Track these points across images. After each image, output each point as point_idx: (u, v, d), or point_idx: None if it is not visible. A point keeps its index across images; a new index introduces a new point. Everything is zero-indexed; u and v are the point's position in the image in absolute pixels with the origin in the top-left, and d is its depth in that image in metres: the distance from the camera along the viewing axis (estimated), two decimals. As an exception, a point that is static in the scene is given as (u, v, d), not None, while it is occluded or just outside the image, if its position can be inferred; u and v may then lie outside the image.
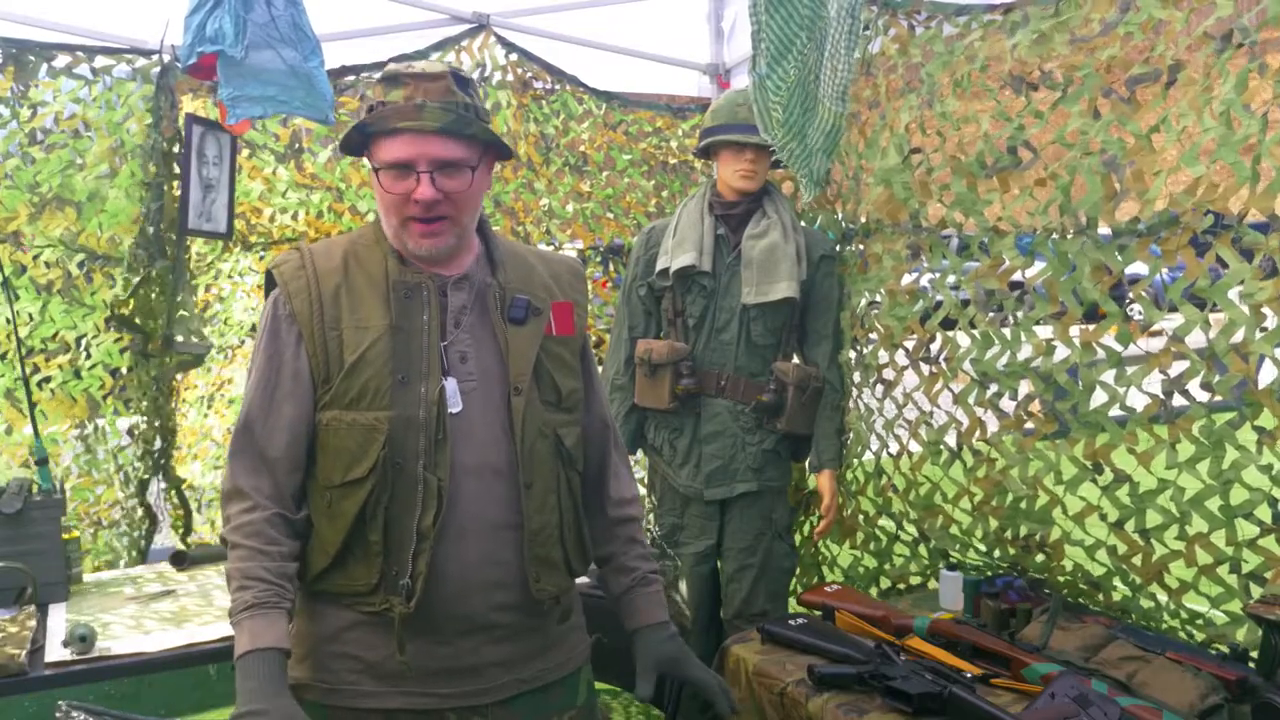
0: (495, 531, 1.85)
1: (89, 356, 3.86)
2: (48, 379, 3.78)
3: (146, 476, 4.01)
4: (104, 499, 3.97)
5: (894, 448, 3.35)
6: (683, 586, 3.38)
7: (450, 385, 1.84)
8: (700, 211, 3.35)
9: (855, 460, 3.46)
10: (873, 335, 3.33)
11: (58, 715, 3.10)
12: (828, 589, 2.91)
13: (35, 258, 3.67)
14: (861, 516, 3.48)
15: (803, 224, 3.72)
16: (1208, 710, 2.15)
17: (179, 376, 4.23)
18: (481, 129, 1.83)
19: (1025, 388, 3.11)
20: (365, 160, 3.75)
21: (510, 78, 4.40)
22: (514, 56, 4.40)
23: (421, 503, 1.79)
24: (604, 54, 4.81)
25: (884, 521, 3.42)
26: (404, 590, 1.79)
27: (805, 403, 3.29)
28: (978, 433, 2.98)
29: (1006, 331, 2.85)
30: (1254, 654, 2.38)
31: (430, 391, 1.82)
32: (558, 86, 4.57)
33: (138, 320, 3.86)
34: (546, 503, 1.89)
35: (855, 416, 3.42)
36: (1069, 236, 2.65)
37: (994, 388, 2.90)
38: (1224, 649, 2.47)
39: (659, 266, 3.35)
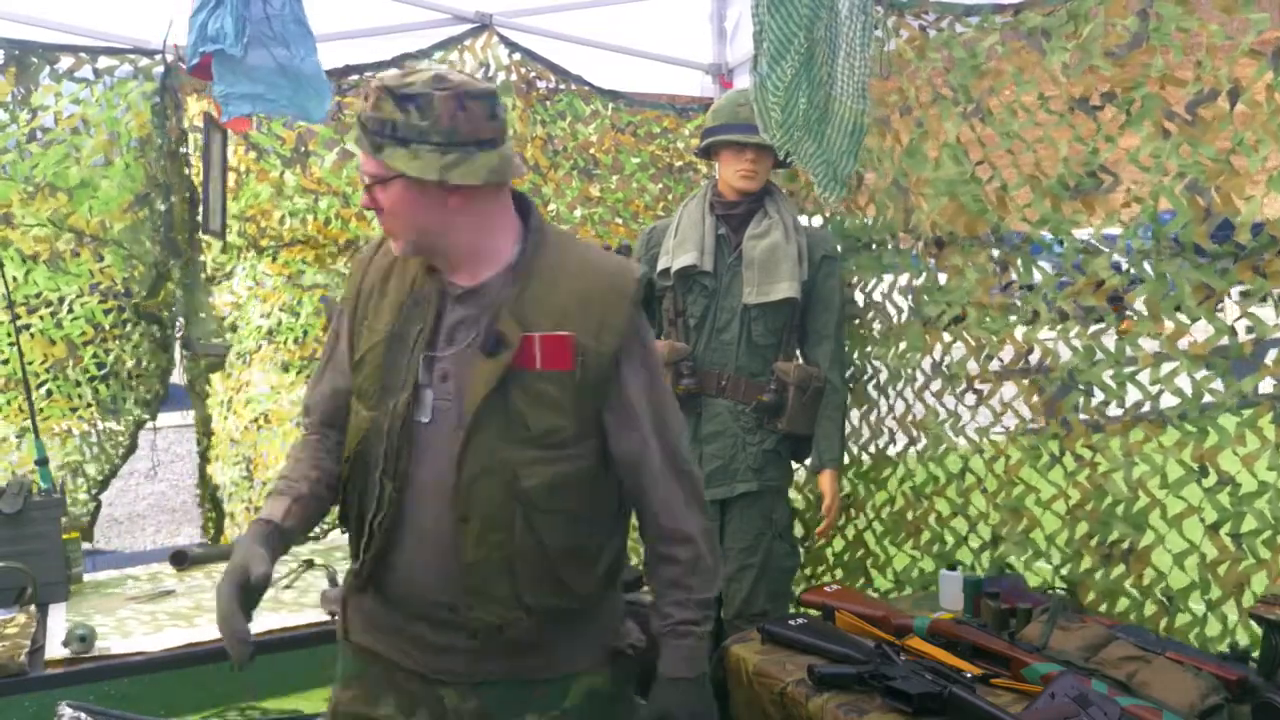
0: (438, 550, 1.86)
1: (71, 312, 4.01)
2: (28, 325, 3.93)
3: (144, 418, 4.20)
4: (75, 415, 4.16)
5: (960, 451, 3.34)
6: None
7: (428, 397, 1.86)
8: (701, 211, 3.35)
9: (931, 462, 3.42)
10: (958, 344, 3.30)
11: (58, 715, 3.11)
12: (828, 589, 2.91)
13: (24, 233, 3.73)
14: (933, 517, 3.43)
15: (804, 223, 3.72)
16: (1208, 710, 2.14)
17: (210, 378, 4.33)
18: (390, 149, 1.79)
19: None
20: None
21: (514, 77, 4.39)
22: (517, 56, 4.39)
23: (376, 504, 1.88)
24: (606, 54, 4.79)
25: (957, 523, 3.35)
26: (358, 573, 1.95)
27: (806, 403, 3.29)
28: (1082, 438, 2.97)
29: (1109, 343, 2.88)
30: (1254, 654, 2.38)
31: (399, 403, 1.85)
32: (562, 86, 4.57)
33: (164, 314, 3.98)
34: (487, 539, 1.83)
35: (933, 419, 3.39)
36: (1166, 258, 2.71)
37: (1099, 395, 2.91)
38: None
39: (660, 266, 3.35)
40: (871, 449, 3.67)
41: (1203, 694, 2.17)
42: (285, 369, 4.56)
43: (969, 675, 2.32)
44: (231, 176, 4.07)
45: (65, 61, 3.63)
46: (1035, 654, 2.39)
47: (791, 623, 2.65)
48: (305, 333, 4.56)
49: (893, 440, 3.60)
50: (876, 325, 3.63)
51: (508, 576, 1.85)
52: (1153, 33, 2.66)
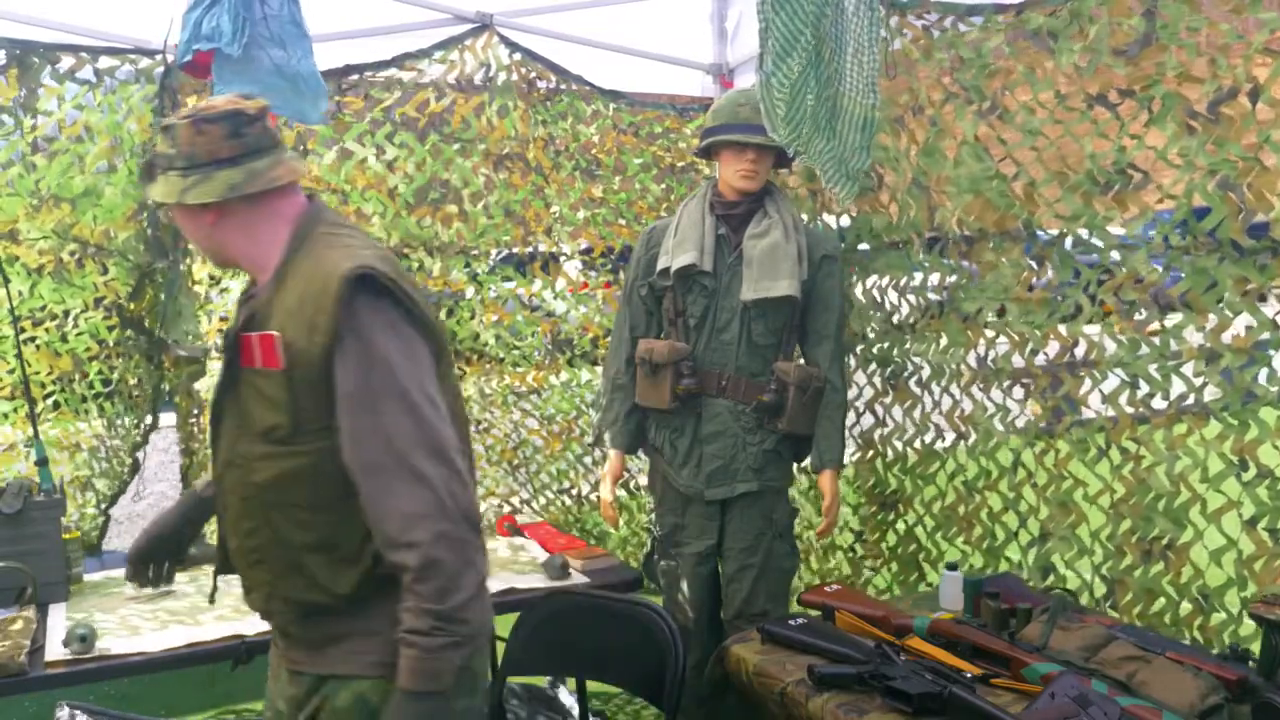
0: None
1: (77, 326, 4.07)
2: (34, 338, 4.00)
3: (138, 440, 4.22)
4: (84, 430, 4.24)
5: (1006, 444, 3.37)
6: (684, 586, 3.38)
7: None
8: (701, 211, 3.34)
9: (982, 456, 3.43)
10: (1001, 339, 3.32)
11: (58, 715, 3.10)
12: (828, 589, 2.91)
13: (30, 247, 3.74)
14: (984, 512, 3.44)
15: (832, 223, 3.74)
16: (1208, 710, 2.13)
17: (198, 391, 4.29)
18: (157, 179, 1.92)
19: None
20: (370, 162, 3.89)
21: (515, 77, 4.39)
22: (518, 56, 4.40)
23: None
24: (607, 53, 4.80)
25: (1008, 518, 3.38)
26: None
27: (806, 403, 3.28)
28: (1128, 430, 3.00)
29: (1155, 338, 2.93)
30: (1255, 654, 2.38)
31: (214, 398, 2.03)
32: (563, 87, 4.57)
33: (146, 323, 3.97)
34: (239, 528, 1.95)
35: (981, 413, 3.39)
36: (1203, 254, 2.75)
37: (1144, 388, 2.94)
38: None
39: (660, 266, 3.34)
40: (917, 444, 3.69)
41: (1203, 694, 2.16)
42: None
43: (969, 675, 2.31)
44: None
45: (66, 62, 3.63)
46: (1035, 654, 2.38)
47: (791, 623, 2.64)
48: None
49: (940, 435, 3.62)
50: (913, 322, 3.65)
51: (260, 566, 1.95)
52: (1160, 30, 2.70)
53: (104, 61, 3.71)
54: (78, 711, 2.93)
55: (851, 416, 3.83)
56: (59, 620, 2.94)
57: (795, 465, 3.53)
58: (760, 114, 3.17)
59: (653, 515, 3.50)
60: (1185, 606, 2.83)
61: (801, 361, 3.39)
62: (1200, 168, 2.68)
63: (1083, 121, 2.96)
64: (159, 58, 3.81)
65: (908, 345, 3.65)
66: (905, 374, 3.68)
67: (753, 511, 3.32)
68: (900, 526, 3.76)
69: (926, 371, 3.59)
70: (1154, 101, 2.77)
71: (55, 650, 2.71)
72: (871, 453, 3.83)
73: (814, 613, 2.88)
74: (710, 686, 2.80)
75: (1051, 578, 3.14)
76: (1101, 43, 2.83)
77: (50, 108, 3.63)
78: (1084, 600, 3.01)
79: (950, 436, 3.56)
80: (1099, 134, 2.92)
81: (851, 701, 2.29)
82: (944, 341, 3.48)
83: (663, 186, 4.84)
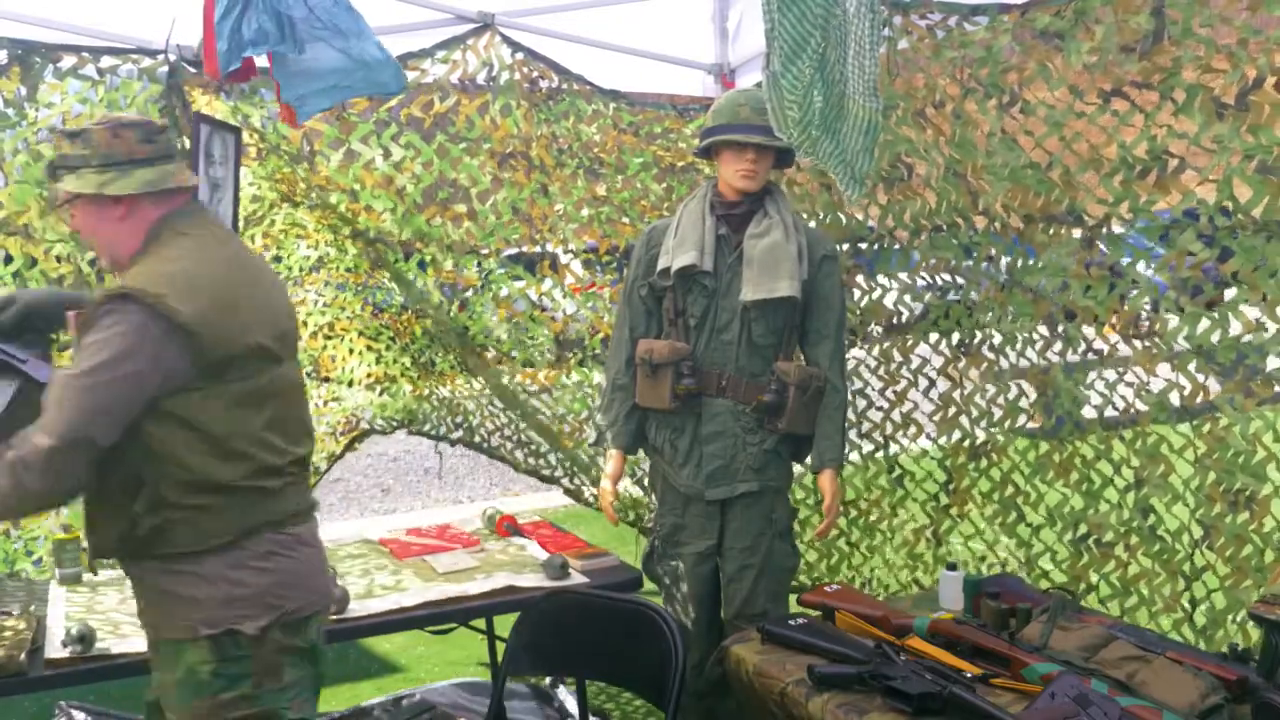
0: None
1: None
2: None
3: None
4: None
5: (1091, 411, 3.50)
6: (683, 586, 3.38)
7: None
8: (701, 211, 3.34)
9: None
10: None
11: (58, 715, 3.10)
12: (828, 589, 2.91)
13: (46, 251, 3.70)
14: (1079, 459, 3.53)
15: (824, 217, 3.76)
16: (1208, 710, 2.14)
17: None
18: (65, 177, 2.19)
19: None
20: (377, 164, 3.89)
21: (517, 76, 4.39)
22: (520, 55, 4.40)
23: None
24: (608, 53, 4.80)
25: (1102, 464, 3.47)
26: None
27: (807, 403, 3.28)
28: (1200, 395, 3.11)
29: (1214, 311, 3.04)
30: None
31: None
32: (565, 86, 4.57)
33: None
34: None
35: (1062, 375, 3.51)
36: (1249, 234, 2.85)
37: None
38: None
39: (660, 266, 3.34)
40: (1001, 401, 3.76)
41: (1203, 694, 2.16)
42: (342, 288, 4.96)
43: (969, 675, 2.32)
44: (252, 150, 4.11)
45: (68, 61, 3.63)
46: (1035, 654, 2.38)
47: (791, 623, 2.65)
48: (355, 265, 4.89)
49: (1023, 393, 3.70)
50: (972, 294, 3.76)
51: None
52: (1171, 27, 2.79)
53: (106, 61, 3.71)
54: (78, 711, 2.93)
55: (924, 382, 3.97)
56: (59, 620, 2.95)
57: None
58: (760, 113, 3.16)
59: (654, 515, 3.50)
60: (1269, 554, 2.91)
61: (802, 361, 3.39)
62: (1237, 153, 2.75)
63: (1104, 113, 3.05)
64: (161, 57, 3.81)
65: (973, 316, 3.76)
66: (975, 341, 3.78)
67: (753, 511, 3.32)
68: (995, 474, 3.81)
69: (998, 339, 3.69)
70: (1175, 91, 2.86)
71: (55, 650, 2.71)
72: (954, 410, 3.89)
73: (814, 613, 2.88)
74: (710, 686, 2.80)
75: (1152, 518, 3.25)
76: (1109, 40, 2.90)
77: (53, 101, 3.62)
78: (1184, 541, 3.15)
79: (1033, 394, 3.66)
80: (1125, 123, 3.02)
81: (851, 701, 2.29)
82: (1011, 311, 3.59)
83: (664, 186, 4.84)
